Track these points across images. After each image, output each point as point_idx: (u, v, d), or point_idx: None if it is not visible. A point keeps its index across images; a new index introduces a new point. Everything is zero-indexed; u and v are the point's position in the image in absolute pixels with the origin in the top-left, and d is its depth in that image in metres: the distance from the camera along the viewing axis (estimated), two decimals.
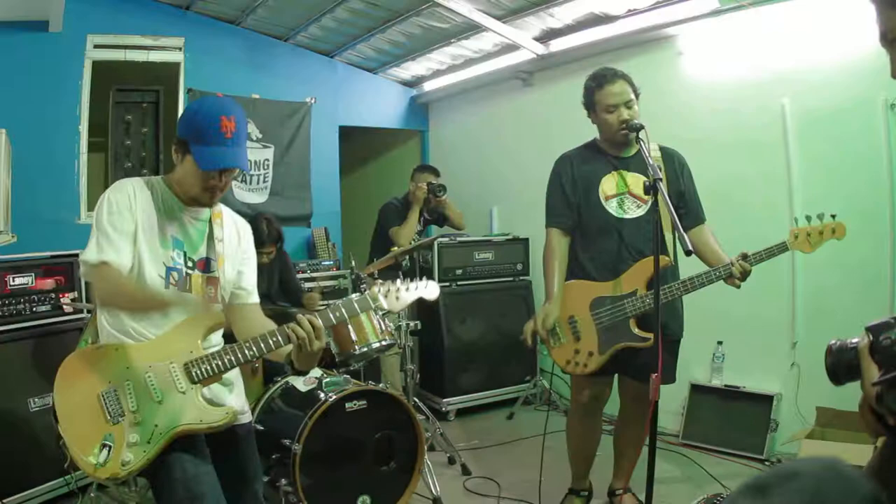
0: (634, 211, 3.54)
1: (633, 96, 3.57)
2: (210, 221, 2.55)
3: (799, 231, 3.34)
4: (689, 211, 3.65)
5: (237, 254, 2.64)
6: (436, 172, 6.11)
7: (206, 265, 2.51)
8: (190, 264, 2.46)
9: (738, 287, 3.41)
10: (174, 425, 2.22)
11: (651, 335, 3.16)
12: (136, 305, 2.33)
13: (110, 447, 2.15)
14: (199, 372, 2.31)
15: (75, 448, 2.14)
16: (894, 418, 1.53)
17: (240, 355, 2.37)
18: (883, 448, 1.76)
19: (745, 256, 3.28)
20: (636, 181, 3.55)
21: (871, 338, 1.65)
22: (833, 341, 1.74)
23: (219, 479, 2.33)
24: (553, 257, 3.63)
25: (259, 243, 4.73)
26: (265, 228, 4.96)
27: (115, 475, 2.15)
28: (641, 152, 3.13)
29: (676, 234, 2.83)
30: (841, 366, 1.74)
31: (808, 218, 3.26)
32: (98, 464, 2.13)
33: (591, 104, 3.69)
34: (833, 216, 3.25)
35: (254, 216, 4.81)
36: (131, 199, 2.36)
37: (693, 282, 3.30)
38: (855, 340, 1.70)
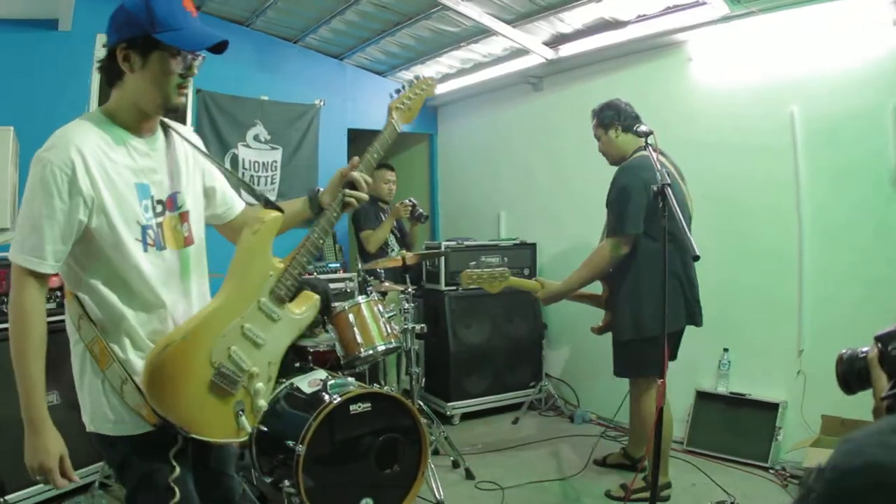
0: None
1: None
2: (167, 146, 2.19)
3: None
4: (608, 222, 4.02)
5: (202, 168, 2.34)
6: (391, 168, 6.33)
7: (173, 202, 2.15)
8: (159, 208, 2.09)
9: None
10: (281, 350, 2.25)
11: None
12: (15, 368, 1.95)
13: (243, 411, 2.13)
14: (286, 290, 2.24)
15: (216, 439, 2.13)
16: None
17: (310, 246, 2.35)
18: None
19: None
20: None
21: (880, 347, 1.65)
22: (844, 351, 1.74)
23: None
24: None
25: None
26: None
27: (255, 424, 2.19)
28: (650, 158, 3.12)
29: (685, 239, 2.85)
30: (852, 375, 1.74)
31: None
32: (244, 429, 2.13)
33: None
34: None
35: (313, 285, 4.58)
36: (77, 158, 1.95)
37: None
38: (865, 349, 1.70)
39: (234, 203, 2.50)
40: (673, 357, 3.96)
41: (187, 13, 1.99)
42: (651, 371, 3.90)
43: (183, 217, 2.17)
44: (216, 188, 2.41)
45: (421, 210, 5.86)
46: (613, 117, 4.20)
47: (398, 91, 2.63)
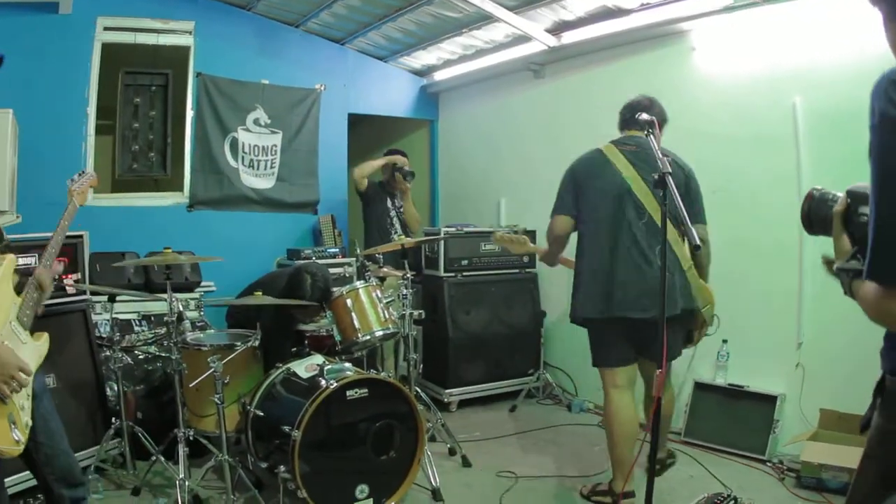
0: None
1: None
2: None
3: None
4: None
5: None
6: (403, 154, 6.38)
7: None
8: None
9: None
10: (32, 373, 2.52)
11: None
12: None
13: (15, 423, 2.37)
14: (26, 318, 2.58)
15: None
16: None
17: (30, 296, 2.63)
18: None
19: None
20: None
21: (849, 203, 1.61)
22: (815, 189, 1.70)
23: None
24: None
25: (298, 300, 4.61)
26: (308, 288, 4.39)
27: (26, 440, 2.43)
28: (651, 147, 3.10)
29: (684, 229, 2.84)
30: (816, 216, 1.71)
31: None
32: (17, 441, 2.36)
33: None
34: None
35: (296, 270, 4.54)
36: None
37: None
38: (839, 195, 1.65)
39: None
40: (643, 347, 3.87)
41: None
42: (597, 362, 3.97)
43: None
44: None
45: (408, 168, 6.19)
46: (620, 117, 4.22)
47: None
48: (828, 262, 1.77)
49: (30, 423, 2.46)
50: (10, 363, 2.35)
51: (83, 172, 3.22)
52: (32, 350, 2.58)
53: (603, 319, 3.80)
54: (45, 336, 2.72)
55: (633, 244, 3.74)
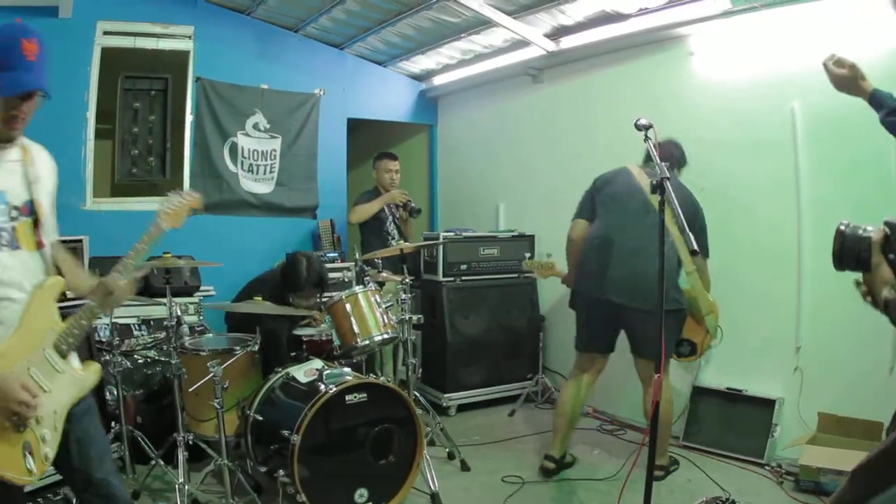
0: None
1: None
2: (23, 161, 2.36)
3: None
4: None
5: (51, 189, 2.50)
6: (394, 157, 6.34)
7: (29, 209, 2.33)
8: (14, 213, 2.28)
9: None
10: (66, 403, 2.33)
11: None
12: None
13: (32, 452, 2.19)
14: (66, 346, 2.33)
15: (7, 474, 2.14)
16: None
17: (84, 315, 2.40)
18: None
19: None
20: None
21: (888, 233, 1.58)
22: (844, 224, 1.65)
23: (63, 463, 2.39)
24: None
25: (293, 287, 4.66)
26: (304, 270, 4.60)
27: (43, 471, 2.24)
28: (650, 151, 3.11)
29: (683, 235, 2.87)
30: (849, 254, 1.66)
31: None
32: (31, 471, 2.17)
33: None
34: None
35: (290, 256, 4.65)
36: None
37: None
38: (870, 229, 1.62)
39: (50, 232, 2.52)
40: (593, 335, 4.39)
41: (23, 56, 2.17)
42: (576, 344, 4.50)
43: (36, 223, 2.34)
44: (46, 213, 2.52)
45: (413, 204, 5.93)
46: None
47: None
48: (867, 292, 1.73)
49: (50, 455, 2.26)
50: (9, 396, 2.10)
51: (179, 191, 2.90)
52: (70, 381, 2.34)
53: (591, 300, 4.25)
54: (96, 367, 2.50)
55: (633, 238, 4.10)
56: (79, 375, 2.40)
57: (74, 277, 2.53)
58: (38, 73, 2.20)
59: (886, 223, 1.61)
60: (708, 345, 4.45)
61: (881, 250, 1.61)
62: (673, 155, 4.43)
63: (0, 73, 2.15)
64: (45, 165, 2.46)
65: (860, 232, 1.65)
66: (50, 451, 2.25)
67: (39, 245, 2.35)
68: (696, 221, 4.12)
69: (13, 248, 2.24)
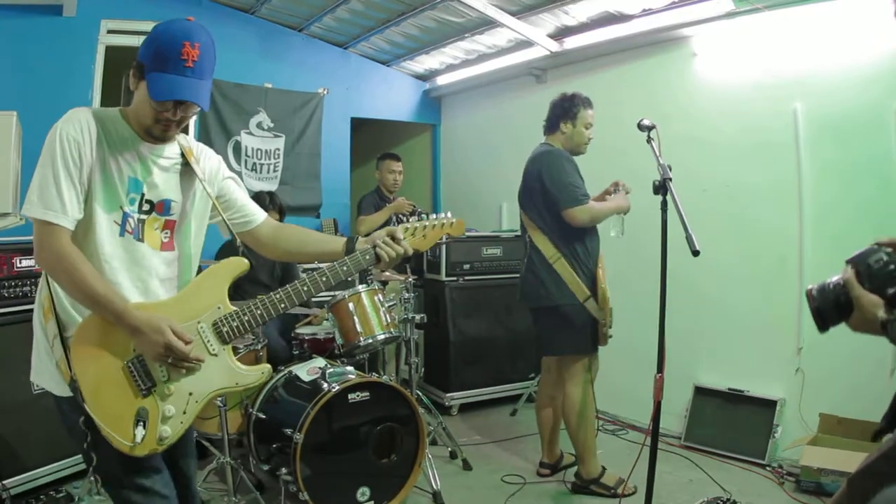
0: None
1: None
2: (184, 161, 2.29)
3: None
4: None
5: (220, 185, 2.45)
6: (397, 158, 6.32)
7: (165, 207, 2.21)
8: (147, 207, 2.17)
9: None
10: (209, 390, 2.14)
11: None
12: (85, 301, 2.02)
13: (145, 422, 2.01)
14: (229, 330, 2.16)
15: (107, 427, 1.97)
16: None
17: (275, 304, 2.24)
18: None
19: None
20: None
21: (855, 268, 1.62)
22: (811, 286, 1.69)
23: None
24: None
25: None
26: (266, 197, 5.08)
27: (153, 451, 2.05)
28: (653, 152, 3.12)
29: (685, 234, 2.86)
30: (828, 306, 1.69)
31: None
32: (136, 443, 1.98)
33: (573, 116, 4.34)
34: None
35: (255, 193, 4.85)
36: (87, 133, 2.10)
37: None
38: (835, 279, 1.66)
39: (255, 215, 2.53)
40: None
41: (182, 61, 2.07)
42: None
43: (167, 224, 2.25)
44: (236, 199, 2.49)
45: (420, 210, 5.91)
46: None
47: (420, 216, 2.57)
48: (859, 328, 1.74)
49: (167, 437, 2.05)
50: (161, 328, 1.99)
51: (433, 215, 2.54)
52: (222, 368, 2.16)
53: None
54: (266, 368, 2.27)
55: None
56: (236, 367, 2.20)
57: (314, 245, 2.53)
58: (191, 82, 2.08)
59: (849, 262, 1.65)
60: (604, 332, 4.22)
61: (857, 283, 1.64)
62: (554, 114, 4.44)
63: (154, 74, 2.06)
64: (209, 163, 2.42)
65: (828, 285, 1.69)
66: (171, 433, 2.06)
67: (165, 247, 2.23)
68: (545, 181, 4.31)
69: (136, 238, 2.14)
